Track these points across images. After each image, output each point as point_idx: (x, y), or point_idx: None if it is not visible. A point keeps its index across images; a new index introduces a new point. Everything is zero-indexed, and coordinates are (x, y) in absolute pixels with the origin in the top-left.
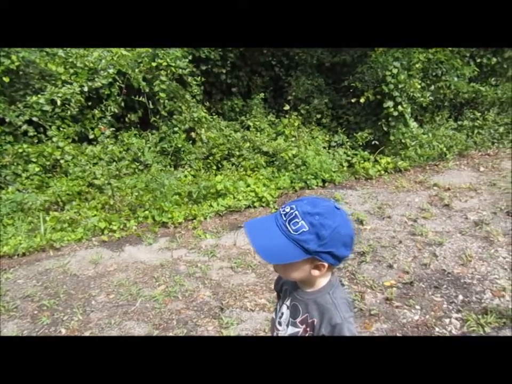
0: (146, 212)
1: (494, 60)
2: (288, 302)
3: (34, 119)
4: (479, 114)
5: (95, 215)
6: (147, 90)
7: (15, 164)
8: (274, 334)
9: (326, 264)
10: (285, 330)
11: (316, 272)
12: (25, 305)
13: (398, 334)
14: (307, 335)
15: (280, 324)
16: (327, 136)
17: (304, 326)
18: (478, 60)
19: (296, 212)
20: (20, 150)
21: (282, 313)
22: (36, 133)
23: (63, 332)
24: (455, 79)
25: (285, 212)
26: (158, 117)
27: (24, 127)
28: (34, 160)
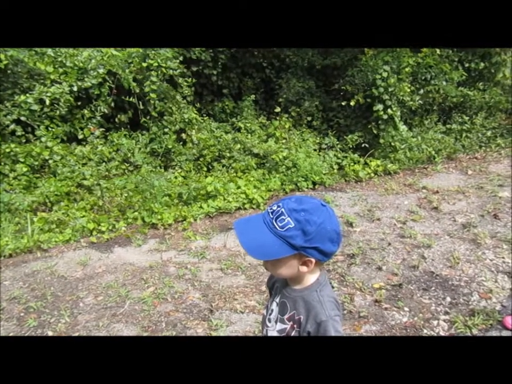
0: (136, 213)
1: (482, 64)
2: (277, 299)
3: (23, 118)
4: (467, 118)
5: (83, 216)
6: (137, 90)
7: (2, 163)
8: (264, 330)
9: (314, 260)
10: (273, 327)
11: (304, 269)
12: (11, 307)
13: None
14: (294, 331)
15: (269, 320)
16: (318, 138)
17: (291, 322)
18: (466, 65)
19: (283, 209)
20: (8, 150)
21: (272, 310)
22: (24, 133)
23: (50, 335)
24: (444, 83)
25: (272, 210)
26: (148, 117)
27: (12, 126)
28: (22, 160)
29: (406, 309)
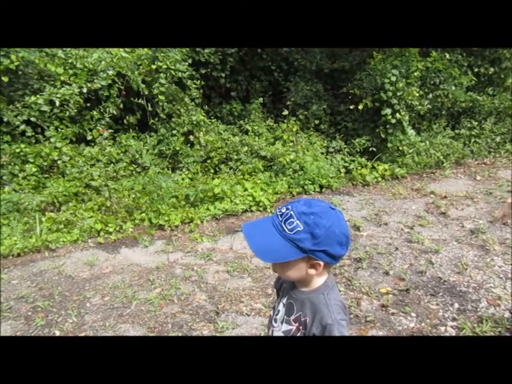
0: (143, 214)
1: (492, 69)
2: (284, 300)
3: (33, 119)
4: (476, 123)
5: (91, 217)
6: (146, 92)
7: (12, 163)
8: (270, 331)
9: (322, 263)
10: (279, 327)
11: (312, 271)
12: (19, 306)
13: None
14: (299, 333)
15: (275, 320)
16: (325, 142)
17: (297, 324)
18: (476, 69)
19: (292, 212)
20: (17, 150)
21: (278, 311)
22: (33, 133)
23: (57, 334)
24: (453, 88)
25: (281, 213)
26: (156, 119)
27: (22, 127)
28: (31, 160)
29: (413, 314)
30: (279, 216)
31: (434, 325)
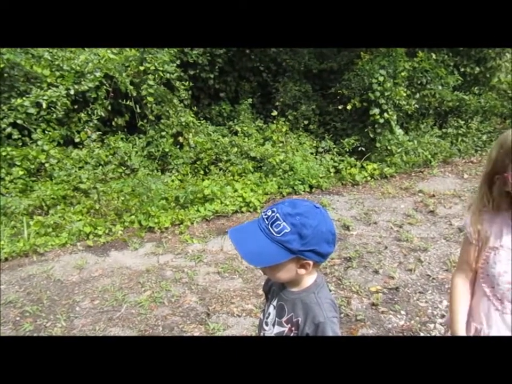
0: (133, 217)
1: (477, 69)
2: (275, 302)
3: (19, 121)
4: (463, 122)
5: (80, 220)
6: (134, 94)
7: None
8: (261, 334)
9: (311, 262)
10: (271, 330)
11: (302, 271)
12: (7, 311)
13: None
14: (292, 334)
15: (266, 324)
16: (314, 142)
17: (289, 325)
18: (462, 69)
19: (277, 214)
20: (4, 153)
21: (269, 314)
22: (20, 136)
23: None
24: (440, 87)
25: (266, 216)
26: (145, 121)
27: (9, 129)
28: (18, 163)
29: (402, 312)
30: (265, 219)
31: (423, 322)
